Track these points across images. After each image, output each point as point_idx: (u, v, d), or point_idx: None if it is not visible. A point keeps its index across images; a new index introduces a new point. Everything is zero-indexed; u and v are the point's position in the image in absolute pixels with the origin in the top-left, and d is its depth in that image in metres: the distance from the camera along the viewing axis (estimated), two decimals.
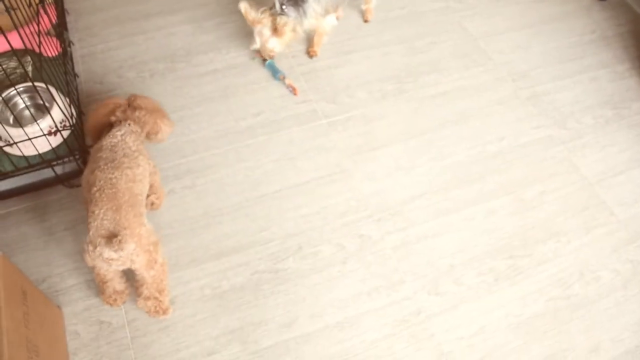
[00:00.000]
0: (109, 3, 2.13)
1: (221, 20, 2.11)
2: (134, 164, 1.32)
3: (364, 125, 1.86)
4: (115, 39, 2.02)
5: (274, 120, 1.84)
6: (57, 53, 1.77)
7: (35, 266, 1.49)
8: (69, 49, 1.91)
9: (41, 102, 1.56)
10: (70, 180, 1.64)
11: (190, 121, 1.81)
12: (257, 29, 1.81)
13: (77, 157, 1.61)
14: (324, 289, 1.51)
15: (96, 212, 1.23)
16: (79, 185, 1.63)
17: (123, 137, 1.36)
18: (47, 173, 1.58)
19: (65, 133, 1.59)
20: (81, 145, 1.60)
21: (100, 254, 1.20)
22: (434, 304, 1.51)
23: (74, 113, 1.68)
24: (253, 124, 1.82)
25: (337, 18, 2.08)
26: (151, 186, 1.47)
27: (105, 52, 1.98)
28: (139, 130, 1.41)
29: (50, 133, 1.56)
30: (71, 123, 1.60)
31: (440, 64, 2.06)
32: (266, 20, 1.78)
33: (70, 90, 1.71)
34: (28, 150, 1.52)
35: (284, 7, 1.79)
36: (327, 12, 1.89)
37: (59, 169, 1.60)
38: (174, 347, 1.40)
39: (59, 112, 1.57)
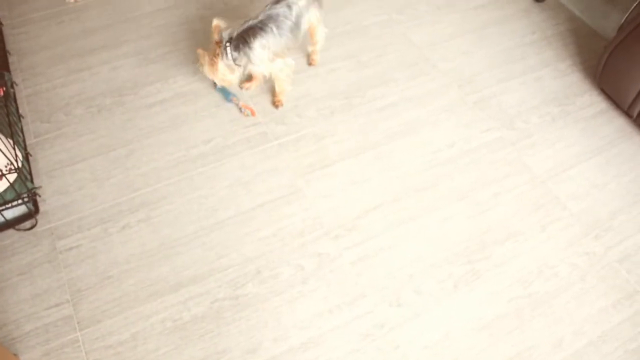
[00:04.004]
0: (53, 41, 2.12)
1: (166, 50, 2.11)
2: None
3: (314, 144, 1.87)
4: (60, 77, 2.00)
5: (225, 146, 1.84)
6: None
7: None
8: (12, 89, 1.88)
9: None
10: (21, 223, 1.61)
11: (141, 153, 1.80)
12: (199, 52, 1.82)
13: (26, 200, 1.59)
14: (286, 311, 1.50)
15: None
16: (30, 228, 1.60)
17: None
18: None
19: (12, 177, 1.57)
20: (29, 188, 1.58)
21: None
22: (397, 315, 1.52)
23: (20, 155, 1.65)
24: (204, 152, 1.82)
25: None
26: None
27: (51, 90, 1.96)
28: None
29: None
30: (17, 166, 1.58)
31: (386, 76, 2.09)
32: (212, 49, 1.78)
33: (14, 132, 1.69)
34: None
35: (227, 46, 1.79)
36: (276, 56, 1.85)
37: (8, 214, 1.58)
38: None
39: (2, 156, 1.54)
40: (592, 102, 2.09)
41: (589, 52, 2.26)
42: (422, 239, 1.67)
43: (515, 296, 1.58)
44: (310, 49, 2.08)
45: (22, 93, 1.94)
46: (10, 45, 2.08)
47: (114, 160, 1.78)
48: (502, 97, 2.07)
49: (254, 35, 1.77)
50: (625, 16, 2.00)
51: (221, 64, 1.78)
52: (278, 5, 1.82)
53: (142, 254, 1.59)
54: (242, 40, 1.77)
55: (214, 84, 1.98)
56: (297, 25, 1.85)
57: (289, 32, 1.82)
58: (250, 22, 1.78)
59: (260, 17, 1.80)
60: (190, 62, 2.06)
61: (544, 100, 2.08)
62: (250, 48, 1.77)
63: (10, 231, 1.60)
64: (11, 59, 2.04)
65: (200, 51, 1.81)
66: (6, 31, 2.13)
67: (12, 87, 1.90)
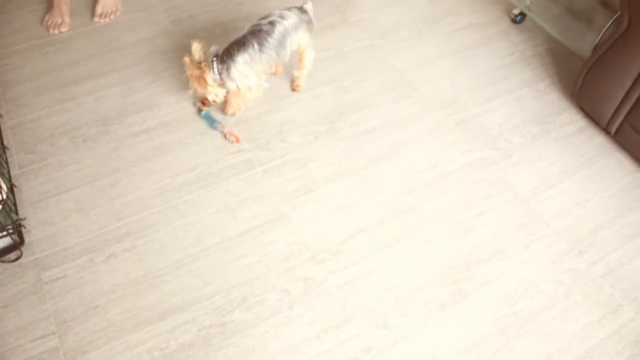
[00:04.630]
0: (38, 71, 2.13)
1: (151, 79, 2.13)
2: None
3: (299, 169, 1.88)
4: (45, 107, 2.01)
5: (210, 173, 1.85)
6: None
7: None
8: None
9: None
10: (6, 255, 1.61)
11: (127, 182, 1.80)
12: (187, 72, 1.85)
13: (11, 231, 1.59)
14: (273, 337, 1.50)
15: None
16: (15, 260, 1.60)
17: None
18: None
19: None
20: (14, 220, 1.58)
21: None
22: (384, 338, 1.52)
23: (5, 187, 1.65)
24: (189, 179, 1.83)
25: (276, 73, 2.13)
26: None
27: (36, 121, 1.97)
28: None
29: None
30: (1, 198, 1.58)
31: (369, 100, 2.12)
32: (197, 66, 1.81)
33: None
34: None
35: (214, 60, 1.82)
36: (258, 76, 1.89)
37: None
38: None
39: None
40: (572, 121, 2.13)
41: (567, 71, 2.31)
42: (408, 261, 1.68)
43: (501, 315, 1.59)
44: (295, 73, 2.11)
45: (7, 124, 1.95)
46: None
47: (100, 189, 1.78)
48: (484, 118, 2.10)
49: (238, 50, 1.81)
50: (600, 36, 2.05)
51: (210, 78, 1.82)
52: (263, 22, 1.86)
53: (128, 283, 1.58)
54: (227, 53, 1.82)
55: (199, 111, 2.00)
56: (281, 44, 1.88)
57: (271, 49, 1.86)
58: (235, 38, 1.83)
59: (244, 32, 1.85)
60: (175, 91, 2.08)
61: (524, 119, 2.12)
62: (233, 61, 1.81)
63: None
64: None
65: (187, 59, 1.82)
66: None
67: None
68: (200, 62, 1.81)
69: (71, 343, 1.47)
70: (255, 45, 1.83)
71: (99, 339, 1.47)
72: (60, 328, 1.49)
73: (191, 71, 1.83)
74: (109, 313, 1.52)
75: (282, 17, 1.87)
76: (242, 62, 1.82)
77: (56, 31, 2.29)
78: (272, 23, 1.86)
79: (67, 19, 2.33)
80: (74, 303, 1.53)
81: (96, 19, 2.36)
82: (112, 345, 1.46)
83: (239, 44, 1.82)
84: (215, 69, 1.83)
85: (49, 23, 2.31)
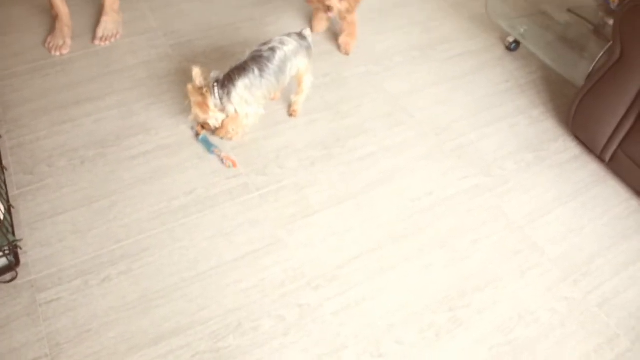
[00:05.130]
0: (38, 93, 2.15)
1: (149, 102, 2.15)
2: None
3: (295, 194, 1.89)
4: (44, 129, 2.02)
5: (206, 197, 1.85)
6: None
7: None
8: None
9: None
10: (1, 276, 1.60)
11: (124, 205, 1.81)
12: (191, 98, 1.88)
13: (7, 252, 1.58)
14: None
15: None
16: (10, 281, 1.59)
17: None
18: None
19: None
20: (10, 241, 1.58)
21: None
22: None
23: (2, 208, 1.66)
24: (186, 203, 1.83)
25: (274, 99, 2.16)
26: None
27: (35, 142, 1.98)
28: None
29: None
30: None
31: (365, 126, 2.14)
32: (199, 93, 1.84)
33: None
34: None
35: (215, 85, 1.84)
36: (257, 102, 1.91)
37: None
38: None
39: None
40: (566, 148, 2.15)
41: (561, 99, 2.34)
42: (403, 287, 1.68)
43: (496, 343, 1.58)
44: (293, 98, 2.13)
45: (6, 145, 1.96)
46: None
47: (96, 212, 1.79)
48: (479, 145, 2.12)
49: (239, 74, 1.84)
50: (593, 65, 2.09)
51: (211, 104, 1.85)
52: (263, 48, 1.89)
53: (123, 307, 1.58)
54: (228, 78, 1.84)
55: (196, 135, 2.01)
56: (281, 70, 1.91)
57: (271, 75, 1.89)
58: (236, 63, 1.86)
59: (244, 58, 1.87)
60: (173, 115, 2.10)
61: (519, 146, 2.14)
62: (234, 86, 1.83)
63: None
64: None
65: (190, 87, 1.85)
66: None
67: None
68: (201, 88, 1.83)
69: None
70: (256, 70, 1.85)
71: None
72: (54, 351, 1.48)
73: (194, 98, 1.86)
74: (103, 337, 1.51)
75: (282, 43, 1.90)
76: (243, 87, 1.84)
77: (57, 53, 2.32)
78: (272, 49, 1.88)
79: (68, 41, 2.36)
80: (68, 326, 1.53)
81: (97, 42, 2.39)
82: None
83: (240, 69, 1.85)
84: (217, 94, 1.85)
85: (50, 45, 2.33)
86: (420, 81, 2.36)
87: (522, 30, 2.48)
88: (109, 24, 2.43)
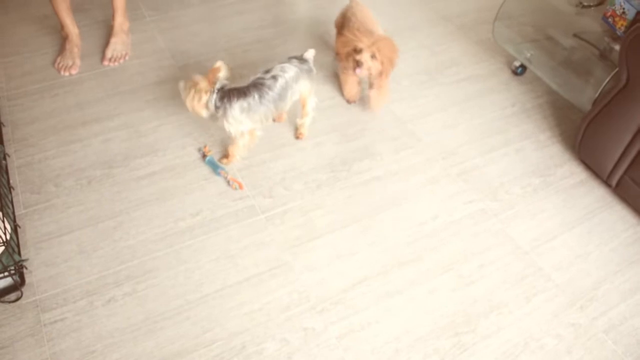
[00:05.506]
0: (47, 112, 2.17)
1: (157, 123, 2.17)
2: None
3: (301, 217, 1.89)
4: (52, 148, 2.04)
5: (212, 219, 1.86)
6: None
7: None
8: (3, 162, 1.92)
9: None
10: (6, 295, 1.60)
11: (129, 225, 1.81)
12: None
13: (12, 272, 1.59)
14: None
15: None
16: (15, 300, 1.60)
17: None
18: None
19: None
20: (16, 261, 1.58)
21: None
22: None
23: (9, 228, 1.66)
24: (192, 225, 1.84)
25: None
26: None
27: (43, 161, 1.99)
28: None
29: None
30: (5, 239, 1.58)
31: (371, 150, 2.15)
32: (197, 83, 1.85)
33: (4, 204, 1.70)
34: None
35: (216, 92, 1.85)
36: (253, 122, 1.92)
37: None
38: None
39: None
40: (573, 173, 2.15)
41: (567, 123, 2.34)
42: (408, 312, 1.67)
43: None
44: (299, 121, 2.14)
45: (14, 164, 1.98)
46: (4, 117, 2.13)
47: (102, 232, 1.79)
48: (485, 169, 2.12)
49: (238, 97, 1.85)
50: (599, 90, 2.09)
51: (205, 97, 1.84)
52: (266, 75, 1.91)
53: (127, 328, 1.57)
54: (227, 95, 1.85)
55: (203, 157, 2.02)
56: (281, 97, 1.92)
57: (270, 102, 1.90)
58: (240, 85, 1.88)
59: (247, 83, 1.89)
60: (180, 136, 2.11)
61: (525, 171, 2.14)
62: (230, 106, 1.84)
63: None
64: (4, 130, 2.08)
65: (189, 81, 1.86)
66: (1, 103, 2.19)
67: (4, 159, 1.93)
68: (212, 81, 1.84)
69: None
70: (256, 96, 1.87)
71: None
72: None
73: (202, 84, 1.84)
74: (107, 358, 1.51)
75: (283, 70, 1.92)
76: (239, 109, 1.85)
77: (66, 73, 2.34)
78: (274, 77, 1.90)
79: (77, 61, 2.39)
80: (72, 347, 1.52)
81: (106, 63, 2.42)
82: None
83: (240, 92, 1.87)
84: (214, 100, 1.85)
85: (60, 65, 2.36)
86: (428, 105, 2.37)
87: (528, 55, 2.50)
88: (118, 44, 2.46)
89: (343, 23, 2.29)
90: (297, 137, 2.16)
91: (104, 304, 1.62)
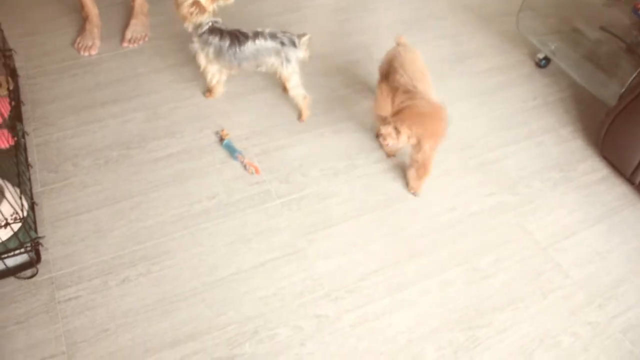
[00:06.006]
0: (67, 92, 2.17)
1: (174, 105, 2.16)
2: None
3: (317, 204, 1.88)
4: (71, 127, 2.04)
5: (228, 203, 1.85)
6: (8, 145, 1.78)
7: None
8: (23, 140, 1.92)
9: None
10: (22, 271, 1.62)
11: (146, 207, 1.81)
12: None
13: (28, 249, 1.59)
14: None
15: None
16: (31, 277, 1.61)
17: None
18: None
19: (16, 226, 1.58)
20: (32, 238, 1.59)
21: None
22: None
23: (26, 205, 1.67)
24: (208, 207, 1.83)
25: (301, 119, 2.17)
26: None
27: (61, 140, 2.00)
28: None
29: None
30: (22, 216, 1.59)
31: None
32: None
33: (22, 181, 1.71)
34: None
35: (209, 23, 1.95)
36: (219, 66, 2.06)
37: (9, 262, 1.58)
38: None
39: (8, 205, 1.56)
40: (594, 169, 2.11)
41: (590, 118, 2.29)
42: (423, 304, 1.66)
43: None
44: (300, 103, 2.14)
45: (33, 142, 1.98)
46: (24, 95, 2.14)
47: (118, 212, 1.79)
48: (504, 162, 2.09)
49: (220, 38, 1.95)
50: (627, 85, 2.04)
51: (203, 18, 1.93)
52: (249, 34, 1.96)
53: (141, 309, 1.58)
54: (214, 31, 1.95)
55: (221, 140, 2.02)
56: (247, 59, 1.98)
57: (234, 57, 1.97)
58: (231, 29, 1.98)
59: (233, 29, 1.97)
60: (197, 119, 2.11)
61: (545, 165, 2.10)
62: (211, 42, 1.96)
63: (10, 279, 1.60)
64: (24, 109, 2.08)
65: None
66: (21, 81, 2.19)
67: (23, 137, 1.94)
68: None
69: None
70: (227, 43, 1.95)
71: None
72: (70, 349, 1.48)
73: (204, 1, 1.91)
74: (120, 338, 1.51)
75: (264, 38, 1.95)
76: (214, 50, 1.98)
77: (86, 54, 2.34)
78: (252, 40, 1.95)
79: (97, 42, 2.38)
80: (86, 325, 1.53)
81: (125, 44, 2.41)
82: None
83: (223, 34, 1.96)
84: (208, 26, 1.95)
85: (80, 45, 2.36)
86: (447, 95, 2.33)
87: (552, 47, 2.45)
88: (137, 26, 2.45)
89: (388, 71, 1.92)
90: (300, 119, 2.16)
91: (119, 284, 1.62)
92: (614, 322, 1.67)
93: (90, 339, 1.50)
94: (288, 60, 1.97)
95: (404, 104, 1.70)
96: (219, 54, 1.98)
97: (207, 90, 2.19)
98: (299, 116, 2.15)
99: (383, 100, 1.72)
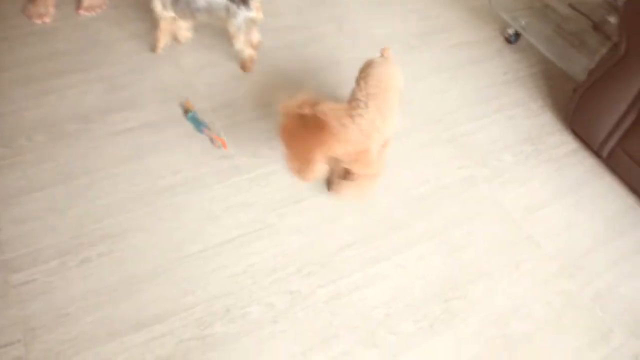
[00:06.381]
0: (18, 62, 2.03)
1: (136, 76, 2.05)
2: None
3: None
4: (24, 100, 1.91)
5: (194, 178, 1.77)
6: None
7: None
8: None
9: None
10: None
11: (106, 183, 1.71)
12: None
13: None
14: (256, 352, 1.42)
15: None
16: None
17: None
18: None
19: None
20: None
21: None
22: (372, 356, 1.45)
23: None
24: (172, 183, 1.75)
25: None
26: None
27: (15, 112, 1.87)
28: None
29: None
30: None
31: None
32: None
33: None
34: None
35: None
36: (174, 14, 2.05)
37: None
38: None
39: None
40: (564, 142, 2.12)
41: (560, 93, 2.30)
42: (397, 278, 1.63)
43: (491, 336, 1.54)
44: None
45: None
46: None
47: (76, 189, 1.69)
48: (476, 135, 2.07)
49: None
50: (595, 61, 2.05)
51: None
52: None
53: (102, 290, 1.49)
54: None
55: (185, 112, 1.93)
56: (199, 10, 2.00)
57: (187, 7, 1.99)
58: None
59: None
60: (160, 91, 2.01)
61: (517, 139, 2.09)
62: None
63: None
64: None
65: None
66: None
67: None
68: None
69: (37, 353, 1.37)
70: None
71: (68, 349, 1.38)
72: (27, 336, 1.39)
73: None
74: (80, 321, 1.43)
75: None
76: None
77: (39, 21, 2.20)
78: None
79: (51, 9, 2.24)
80: (43, 309, 1.44)
81: (82, 12, 2.27)
82: (82, 356, 1.37)
83: None
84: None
85: (32, 12, 2.21)
86: (418, 71, 2.30)
87: (523, 23, 2.44)
88: None
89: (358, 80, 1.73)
90: (242, 69, 2.17)
91: (78, 265, 1.53)
92: (584, 291, 1.69)
93: (49, 324, 1.41)
94: (234, 17, 1.96)
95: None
96: (176, 2, 1.99)
97: (155, 46, 2.17)
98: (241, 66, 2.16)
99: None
